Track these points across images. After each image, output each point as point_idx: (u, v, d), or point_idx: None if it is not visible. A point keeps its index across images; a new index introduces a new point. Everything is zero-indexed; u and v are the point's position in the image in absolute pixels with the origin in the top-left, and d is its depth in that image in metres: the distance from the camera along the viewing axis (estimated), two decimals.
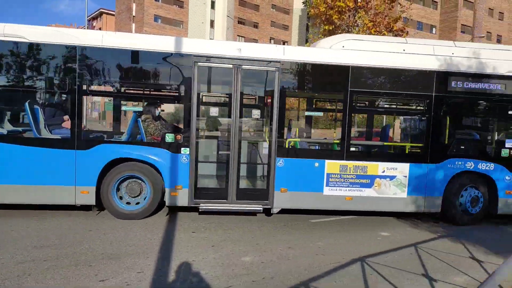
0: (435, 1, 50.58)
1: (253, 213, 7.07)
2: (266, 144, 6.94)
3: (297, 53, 6.76)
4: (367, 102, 7.80)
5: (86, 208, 6.73)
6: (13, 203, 6.32)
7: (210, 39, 52.08)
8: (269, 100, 7.11)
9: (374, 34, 12.25)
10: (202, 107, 7.27)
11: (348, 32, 12.94)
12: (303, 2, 13.30)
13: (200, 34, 51.27)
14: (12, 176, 6.09)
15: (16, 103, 6.84)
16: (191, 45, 6.43)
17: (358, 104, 7.09)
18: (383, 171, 6.95)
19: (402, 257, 5.34)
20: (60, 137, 6.36)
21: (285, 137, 7.09)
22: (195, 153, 6.49)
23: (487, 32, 52.45)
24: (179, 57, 6.37)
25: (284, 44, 62.33)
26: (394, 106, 7.87)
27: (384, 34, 12.25)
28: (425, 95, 6.96)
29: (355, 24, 12.59)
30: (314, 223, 7.01)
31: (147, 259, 4.80)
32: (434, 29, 50.69)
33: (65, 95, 6.63)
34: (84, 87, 6.30)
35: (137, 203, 6.50)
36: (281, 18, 61.86)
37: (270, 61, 6.51)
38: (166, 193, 6.43)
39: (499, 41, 54.82)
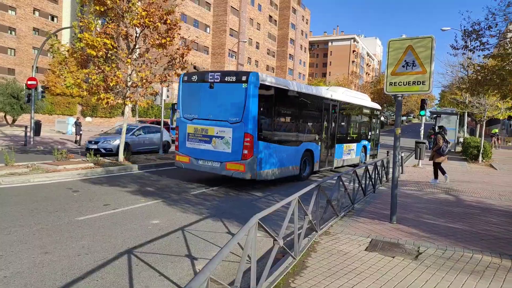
0: (208, 3, 55.35)
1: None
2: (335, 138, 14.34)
3: (342, 97, 15.00)
4: (349, 117, 15.92)
5: None
6: (272, 179, 10.72)
7: None
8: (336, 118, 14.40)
9: (148, 24, 12.19)
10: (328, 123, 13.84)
11: (121, 17, 12.37)
12: None
13: None
14: (276, 162, 10.64)
15: (282, 124, 11.50)
16: (332, 94, 13.93)
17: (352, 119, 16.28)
18: (352, 148, 15.88)
19: (169, 242, 5.59)
20: (291, 140, 11.52)
21: (337, 135, 14.46)
22: (323, 145, 13.34)
23: (249, 38, 61.84)
24: (329, 100, 13.64)
25: (53, 19, 53.98)
26: (358, 118, 16.81)
27: (157, 26, 12.37)
28: (368, 115, 17.77)
29: (129, 10, 12.15)
30: (81, 221, 6.41)
31: None
32: (208, 28, 55.52)
33: (296, 120, 12.01)
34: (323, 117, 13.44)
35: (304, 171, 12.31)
36: None
37: (334, 100, 14.06)
38: (315, 164, 12.83)
39: (257, 47, 65.61)
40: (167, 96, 18.24)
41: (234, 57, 58.22)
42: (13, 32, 48.78)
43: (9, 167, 10.44)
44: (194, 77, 10.69)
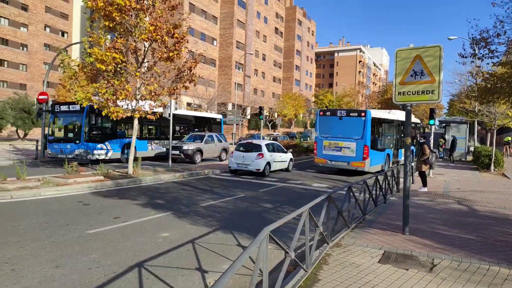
0: (215, 17, 56.13)
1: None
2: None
3: (400, 117, 19.92)
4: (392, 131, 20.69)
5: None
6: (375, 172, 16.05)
7: None
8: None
9: (155, 38, 12.38)
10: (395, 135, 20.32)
11: (130, 32, 12.57)
12: None
13: None
14: (377, 162, 17.45)
15: (378, 138, 18.07)
16: (398, 117, 20.12)
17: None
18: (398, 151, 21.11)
19: (180, 255, 5.56)
20: (382, 148, 18.26)
21: (399, 143, 20.69)
22: (393, 150, 19.91)
23: (256, 50, 62.35)
24: (395, 120, 19.93)
25: (63, 35, 55.16)
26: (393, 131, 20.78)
27: (165, 39, 12.54)
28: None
29: (137, 25, 12.35)
30: (91, 234, 6.42)
31: None
32: (215, 41, 56.19)
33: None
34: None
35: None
36: (58, 4, 54.51)
37: (397, 120, 19.98)
38: (390, 163, 18.78)
39: (264, 59, 66.09)
40: (176, 109, 18.39)
41: (241, 69, 58.68)
42: (25, 48, 49.92)
43: (20, 181, 10.55)
44: (328, 113, 17.68)
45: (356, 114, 16.48)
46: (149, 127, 21.92)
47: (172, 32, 12.60)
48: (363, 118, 16.07)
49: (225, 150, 22.45)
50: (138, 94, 13.36)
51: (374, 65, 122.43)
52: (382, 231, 6.92)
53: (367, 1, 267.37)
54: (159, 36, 12.32)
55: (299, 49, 77.39)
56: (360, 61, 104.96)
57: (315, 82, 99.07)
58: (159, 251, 5.67)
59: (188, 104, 47.32)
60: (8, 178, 10.61)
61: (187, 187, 12.29)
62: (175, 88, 13.91)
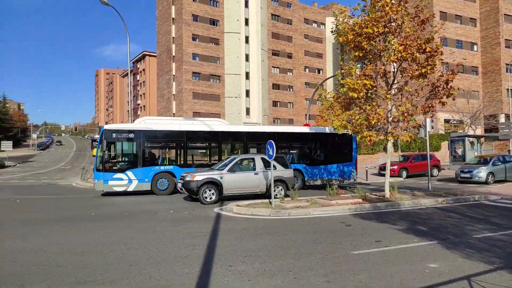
0: (473, 19, 49.05)
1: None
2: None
3: None
4: None
5: None
6: None
7: (246, 72, 53.50)
8: None
9: (405, 57, 12.01)
10: None
11: (379, 57, 12.77)
12: (331, 31, 13.41)
13: (236, 67, 52.91)
14: None
15: None
16: None
17: None
18: None
19: None
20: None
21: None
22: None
23: None
24: None
25: (319, 72, 62.62)
26: None
27: (416, 56, 11.95)
28: None
29: (386, 49, 12.41)
30: (355, 254, 6.68)
31: None
32: (475, 46, 48.85)
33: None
34: None
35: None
36: (314, 47, 62.70)
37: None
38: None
39: None
40: (432, 127, 17.00)
41: None
42: (290, 89, 60.01)
43: (294, 201, 12.42)
44: None
45: None
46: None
47: (423, 47, 11.92)
48: None
49: (282, 182, 14.14)
50: (390, 117, 13.25)
51: None
52: None
53: None
54: (409, 55, 11.92)
55: None
56: None
57: None
58: (428, 283, 5.20)
59: (446, 121, 42.74)
60: (285, 198, 12.73)
61: (453, 214, 10.90)
62: (430, 105, 12.94)
